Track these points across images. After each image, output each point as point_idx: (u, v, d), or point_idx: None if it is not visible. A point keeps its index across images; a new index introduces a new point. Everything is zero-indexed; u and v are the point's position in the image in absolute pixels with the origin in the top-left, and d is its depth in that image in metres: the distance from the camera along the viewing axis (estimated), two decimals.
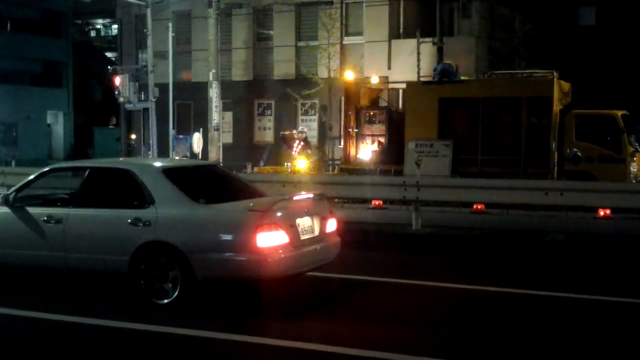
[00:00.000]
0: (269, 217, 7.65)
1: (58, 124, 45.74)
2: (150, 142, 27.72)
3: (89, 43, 56.62)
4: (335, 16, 28.83)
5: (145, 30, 27.88)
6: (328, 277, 9.17)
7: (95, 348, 6.62)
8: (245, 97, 31.31)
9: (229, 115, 30.77)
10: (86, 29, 59.34)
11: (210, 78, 25.06)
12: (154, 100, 27.26)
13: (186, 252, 7.64)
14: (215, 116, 25.08)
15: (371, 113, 20.52)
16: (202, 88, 27.10)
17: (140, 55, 32.98)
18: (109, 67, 33.97)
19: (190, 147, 26.57)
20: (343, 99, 22.36)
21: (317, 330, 7.01)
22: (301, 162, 19.73)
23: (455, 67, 19.90)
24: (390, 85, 24.04)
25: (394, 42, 28.57)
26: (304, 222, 8.07)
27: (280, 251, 7.63)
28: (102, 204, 8.37)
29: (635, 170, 17.70)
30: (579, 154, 17.92)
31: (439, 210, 15.44)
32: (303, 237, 8.00)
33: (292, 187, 13.88)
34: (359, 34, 29.32)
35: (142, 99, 27.80)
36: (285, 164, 21.38)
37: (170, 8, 29.63)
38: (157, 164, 9.00)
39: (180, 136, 28.25)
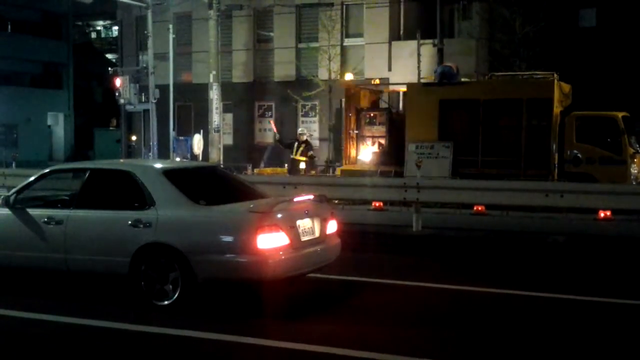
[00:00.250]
0: (269, 218, 7.65)
1: (58, 125, 45.71)
2: (151, 143, 27.73)
3: (89, 45, 56.59)
4: (336, 18, 28.81)
5: (145, 32, 27.90)
6: (328, 278, 9.18)
7: (96, 349, 6.62)
8: (245, 99, 31.30)
9: (229, 116, 30.77)
10: (87, 31, 59.28)
11: (211, 80, 25.10)
12: (155, 101, 27.29)
13: (186, 254, 7.64)
14: (215, 118, 25.12)
15: (372, 114, 20.54)
16: (202, 90, 27.10)
17: (140, 57, 32.93)
18: (109, 68, 34.03)
19: (191, 148, 26.57)
20: (343, 100, 22.33)
21: (318, 332, 7.00)
22: (302, 164, 19.66)
23: (456, 69, 19.87)
24: (391, 87, 24.04)
25: (394, 43, 28.55)
26: (304, 224, 8.08)
27: (281, 253, 7.64)
28: (103, 205, 8.38)
29: (635, 171, 17.65)
30: (579, 155, 17.89)
31: (440, 211, 15.45)
32: (303, 239, 8.01)
33: (293, 188, 13.86)
34: (360, 35, 29.29)
35: (143, 100, 27.84)
36: (286, 165, 21.36)
37: (171, 10, 29.59)
38: (158, 165, 9.01)
39: (181, 138, 28.29)
